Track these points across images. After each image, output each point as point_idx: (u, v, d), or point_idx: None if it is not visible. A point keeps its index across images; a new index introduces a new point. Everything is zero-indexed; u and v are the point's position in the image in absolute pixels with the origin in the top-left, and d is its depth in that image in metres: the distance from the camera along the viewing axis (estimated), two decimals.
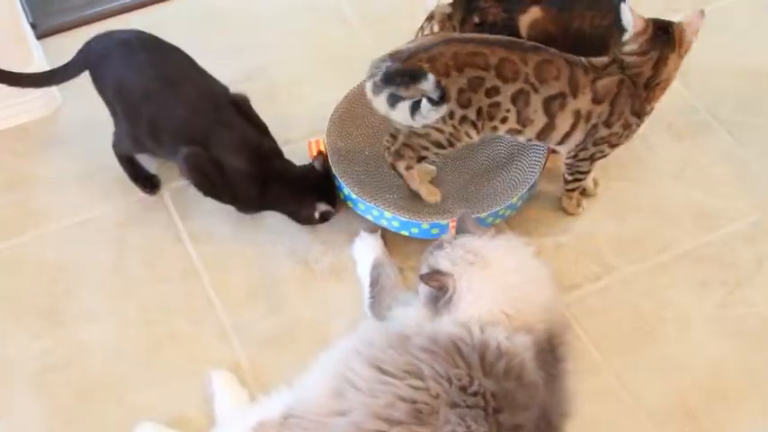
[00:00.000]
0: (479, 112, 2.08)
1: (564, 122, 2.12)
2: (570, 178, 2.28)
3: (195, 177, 2.20)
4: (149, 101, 2.17)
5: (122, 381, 2.08)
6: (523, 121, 2.11)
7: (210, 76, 2.26)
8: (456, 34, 2.14)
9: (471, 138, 2.13)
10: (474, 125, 2.10)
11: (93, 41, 2.26)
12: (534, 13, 2.18)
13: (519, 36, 2.18)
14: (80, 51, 2.27)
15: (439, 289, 1.77)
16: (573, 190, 2.32)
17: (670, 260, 2.31)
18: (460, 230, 1.88)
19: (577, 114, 2.11)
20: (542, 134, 2.14)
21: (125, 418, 2.01)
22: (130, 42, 2.22)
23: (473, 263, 1.78)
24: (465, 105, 2.07)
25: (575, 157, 2.21)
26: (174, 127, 2.17)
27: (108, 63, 2.22)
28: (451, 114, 2.07)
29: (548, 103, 2.09)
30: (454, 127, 2.09)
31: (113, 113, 2.28)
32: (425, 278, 1.79)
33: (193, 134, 2.17)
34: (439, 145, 2.14)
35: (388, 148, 2.20)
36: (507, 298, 1.75)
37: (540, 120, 2.11)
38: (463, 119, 2.08)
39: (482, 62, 2.05)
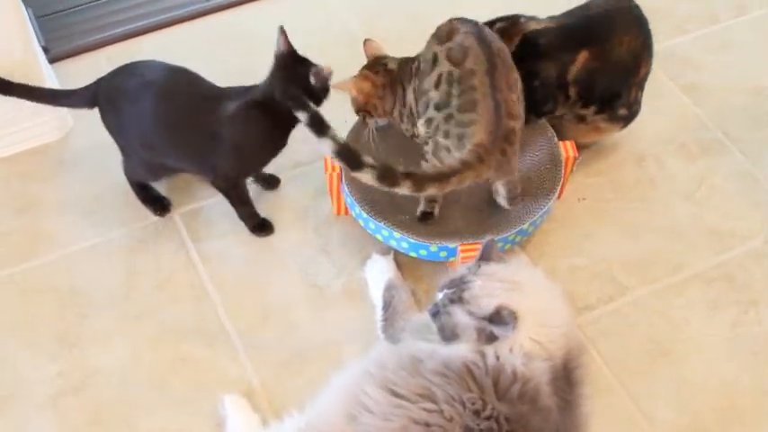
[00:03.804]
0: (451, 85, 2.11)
1: None
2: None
3: None
4: (142, 116, 2.17)
5: (135, 404, 2.07)
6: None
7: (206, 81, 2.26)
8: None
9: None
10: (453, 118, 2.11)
11: (99, 82, 2.24)
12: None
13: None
14: (86, 88, 2.26)
15: (514, 320, 1.69)
16: None
17: (683, 281, 2.30)
18: (485, 257, 1.80)
19: None
20: None
21: None
22: (117, 75, 2.22)
23: (512, 289, 1.73)
24: (443, 107, 2.11)
25: None
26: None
27: (108, 105, 2.23)
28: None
29: None
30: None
31: (122, 149, 2.30)
32: (500, 318, 1.68)
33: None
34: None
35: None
36: (539, 325, 1.72)
37: None
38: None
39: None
